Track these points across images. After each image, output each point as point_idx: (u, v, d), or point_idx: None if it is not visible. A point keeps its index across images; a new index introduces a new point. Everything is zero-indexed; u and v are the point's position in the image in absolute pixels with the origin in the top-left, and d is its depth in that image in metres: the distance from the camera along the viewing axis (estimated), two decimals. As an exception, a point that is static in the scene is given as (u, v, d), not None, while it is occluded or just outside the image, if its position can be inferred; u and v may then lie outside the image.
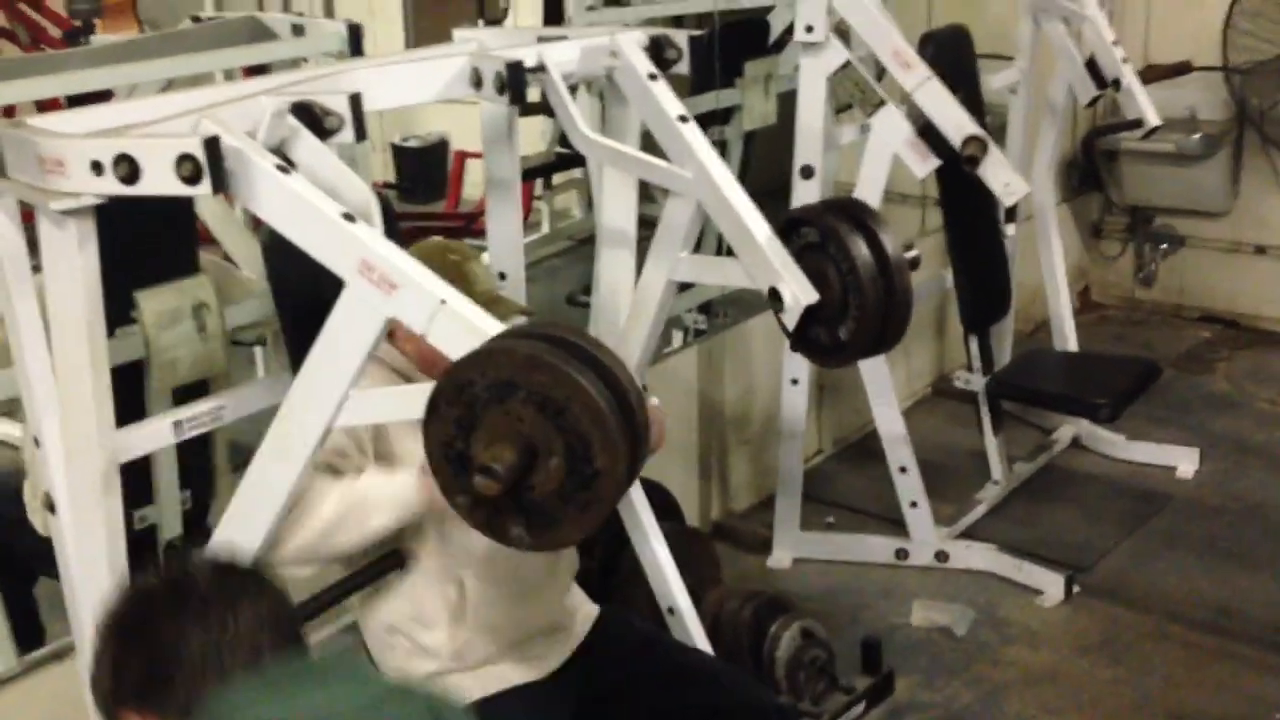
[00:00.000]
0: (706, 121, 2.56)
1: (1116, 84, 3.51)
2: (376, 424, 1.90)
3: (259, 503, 1.71)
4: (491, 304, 1.73)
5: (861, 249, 2.03)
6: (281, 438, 1.66)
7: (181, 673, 1.20)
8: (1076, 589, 3.27)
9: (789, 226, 2.09)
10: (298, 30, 2.53)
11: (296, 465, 1.65)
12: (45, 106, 2.52)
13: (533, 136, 4.36)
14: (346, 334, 1.56)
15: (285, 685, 1.20)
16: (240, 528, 1.74)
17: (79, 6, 4.54)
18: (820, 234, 2.06)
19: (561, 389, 1.41)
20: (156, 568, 1.54)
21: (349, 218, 1.52)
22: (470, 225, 5.01)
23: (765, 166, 3.81)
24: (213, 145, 1.43)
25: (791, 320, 1.97)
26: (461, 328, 1.49)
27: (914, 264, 2.10)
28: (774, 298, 1.98)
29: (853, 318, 2.04)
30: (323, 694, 1.20)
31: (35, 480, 1.96)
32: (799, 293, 1.96)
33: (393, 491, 1.88)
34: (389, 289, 1.49)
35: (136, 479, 1.75)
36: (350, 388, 1.59)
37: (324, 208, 1.51)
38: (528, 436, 1.42)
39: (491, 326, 1.50)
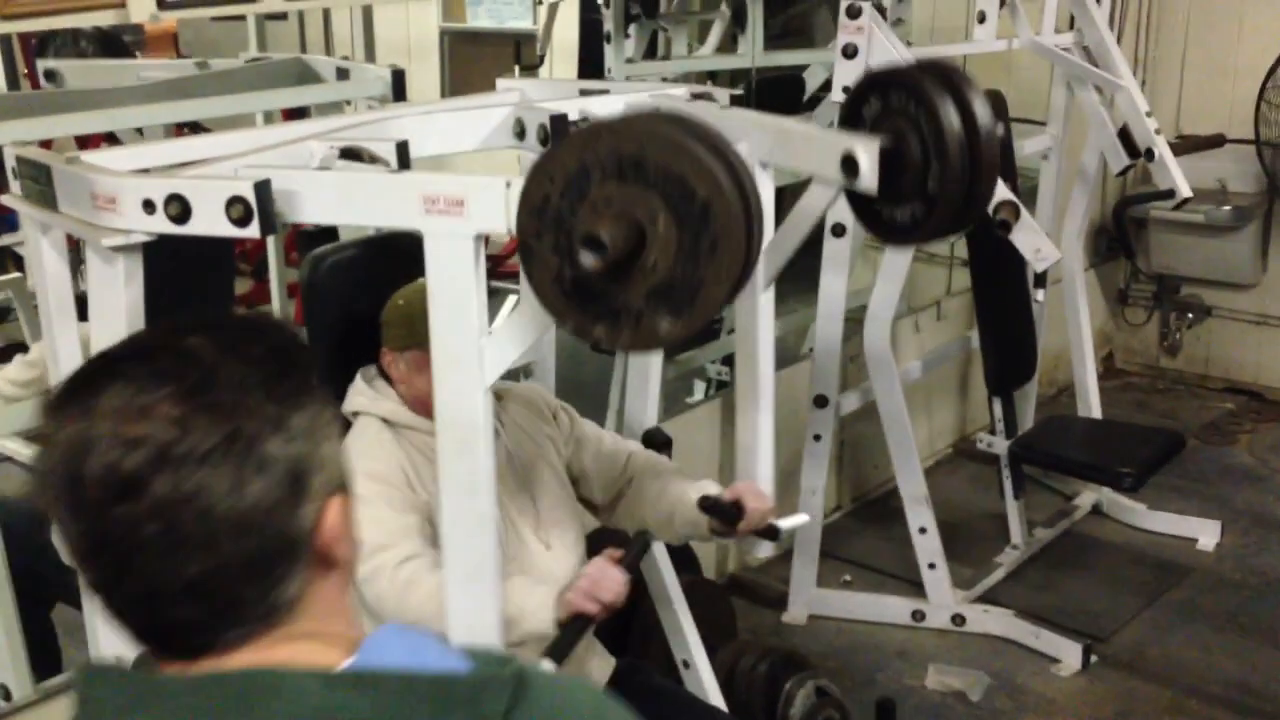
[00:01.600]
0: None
1: (1149, 154, 3.52)
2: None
3: (470, 490, 1.61)
4: None
5: (948, 109, 1.78)
6: (451, 421, 1.58)
7: None
8: (1094, 659, 3.24)
9: (854, 100, 1.91)
10: (342, 74, 2.57)
11: (481, 431, 1.56)
12: (84, 140, 2.55)
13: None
14: (452, 278, 1.50)
15: None
16: (461, 525, 1.64)
17: (122, 37, 4.62)
18: (903, 96, 1.82)
19: (629, 141, 1.35)
20: None
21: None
22: (497, 268, 5.05)
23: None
24: (263, 188, 1.46)
25: (871, 180, 1.75)
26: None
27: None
28: (848, 169, 1.76)
29: (934, 179, 1.79)
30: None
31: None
32: (871, 148, 1.76)
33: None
34: (458, 208, 1.45)
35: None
36: (484, 333, 1.53)
37: (369, 172, 1.55)
38: (623, 209, 1.35)
39: None
